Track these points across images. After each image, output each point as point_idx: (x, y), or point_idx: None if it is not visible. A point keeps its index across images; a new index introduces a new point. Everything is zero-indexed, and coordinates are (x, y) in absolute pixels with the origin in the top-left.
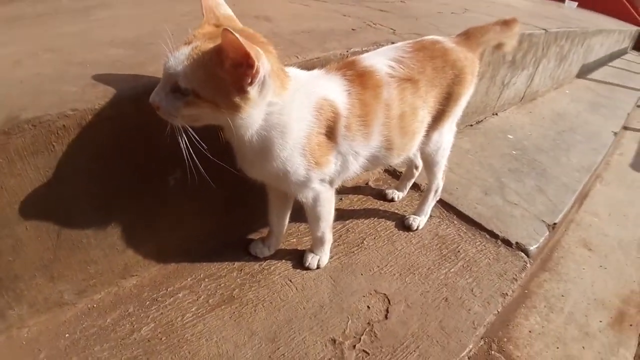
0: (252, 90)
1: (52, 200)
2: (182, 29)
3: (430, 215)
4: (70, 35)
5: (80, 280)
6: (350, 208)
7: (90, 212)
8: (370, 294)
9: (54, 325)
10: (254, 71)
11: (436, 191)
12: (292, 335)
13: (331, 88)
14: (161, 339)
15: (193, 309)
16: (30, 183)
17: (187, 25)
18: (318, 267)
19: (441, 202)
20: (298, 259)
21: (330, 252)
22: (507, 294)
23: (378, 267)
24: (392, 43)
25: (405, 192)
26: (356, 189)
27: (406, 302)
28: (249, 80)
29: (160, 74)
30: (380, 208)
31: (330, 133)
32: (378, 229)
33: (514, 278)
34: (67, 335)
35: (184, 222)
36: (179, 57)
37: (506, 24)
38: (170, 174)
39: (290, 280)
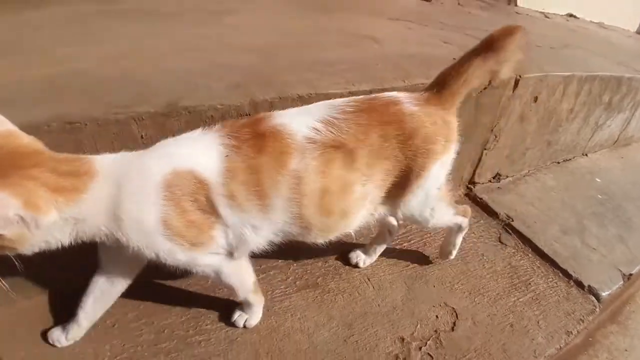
0: (6, 231)
1: None
2: (302, 43)
3: (505, 245)
4: (207, 37)
5: None
6: None
7: None
8: (440, 305)
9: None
10: None
11: (459, 228)
12: (365, 326)
13: (191, 156)
14: None
15: (282, 287)
16: None
17: (308, 39)
18: (244, 327)
19: (518, 234)
20: (381, 261)
21: (406, 261)
22: (571, 332)
23: (450, 282)
24: None
25: (374, 257)
26: None
27: (473, 320)
28: None
29: (287, 86)
30: None
31: (206, 206)
32: None
33: (580, 319)
34: None
35: None
36: None
37: (492, 48)
38: None
39: (369, 279)
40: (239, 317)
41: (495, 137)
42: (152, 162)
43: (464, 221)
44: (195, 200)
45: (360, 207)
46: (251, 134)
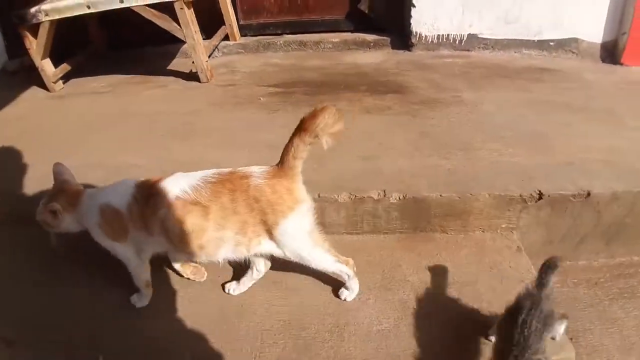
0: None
1: None
2: None
3: None
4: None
5: None
6: None
7: None
8: None
9: None
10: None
11: (348, 277)
12: None
13: (118, 197)
14: None
15: None
16: None
17: None
18: (133, 303)
19: None
20: None
21: None
22: None
23: None
24: None
25: (245, 288)
26: None
27: None
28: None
29: None
30: None
31: (122, 222)
32: None
33: None
34: None
35: None
36: None
37: (302, 129)
38: None
39: None
40: (135, 296)
41: None
42: (99, 194)
43: (347, 269)
44: (116, 218)
45: (218, 246)
46: (147, 192)
